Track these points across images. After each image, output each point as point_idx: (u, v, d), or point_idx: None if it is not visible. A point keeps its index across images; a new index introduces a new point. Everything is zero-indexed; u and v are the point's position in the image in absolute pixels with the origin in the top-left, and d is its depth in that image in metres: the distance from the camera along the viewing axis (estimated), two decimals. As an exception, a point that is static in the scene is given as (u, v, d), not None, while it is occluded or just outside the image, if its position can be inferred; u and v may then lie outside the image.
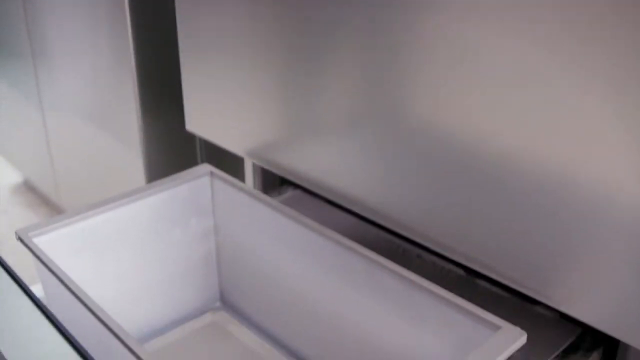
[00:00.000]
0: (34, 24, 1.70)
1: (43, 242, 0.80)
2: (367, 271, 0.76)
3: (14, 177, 2.42)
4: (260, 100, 0.96)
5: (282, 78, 0.91)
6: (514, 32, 0.64)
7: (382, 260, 0.75)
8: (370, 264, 0.76)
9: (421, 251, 0.97)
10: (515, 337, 0.64)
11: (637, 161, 0.59)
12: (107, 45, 1.41)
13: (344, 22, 0.80)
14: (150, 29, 1.35)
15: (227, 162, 1.50)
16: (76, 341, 0.64)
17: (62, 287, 0.71)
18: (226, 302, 1.00)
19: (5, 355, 0.63)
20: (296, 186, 1.15)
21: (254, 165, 1.20)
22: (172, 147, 1.47)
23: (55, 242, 0.81)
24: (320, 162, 0.89)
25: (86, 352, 0.63)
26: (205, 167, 0.94)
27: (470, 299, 0.87)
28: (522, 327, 0.81)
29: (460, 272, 0.92)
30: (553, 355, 0.77)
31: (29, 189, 2.33)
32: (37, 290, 0.86)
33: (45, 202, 2.23)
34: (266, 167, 1.00)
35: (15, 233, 0.79)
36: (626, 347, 0.74)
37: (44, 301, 0.82)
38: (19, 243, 0.79)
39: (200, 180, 0.93)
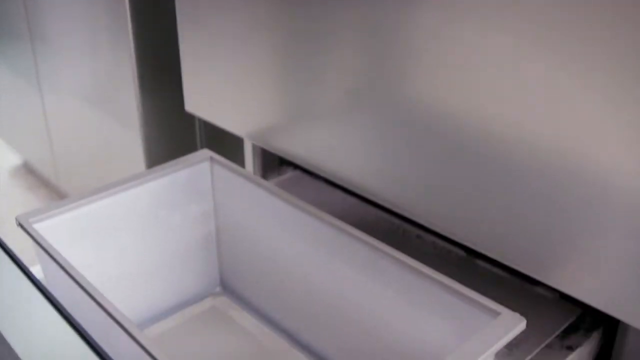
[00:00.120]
0: (32, 7, 1.69)
1: (43, 228, 0.80)
2: (367, 256, 0.76)
3: (13, 159, 2.42)
4: (259, 81, 0.95)
5: (282, 59, 0.91)
6: (515, 12, 0.64)
7: (381, 246, 0.75)
8: (370, 249, 0.76)
9: (421, 232, 0.97)
10: (515, 323, 0.64)
11: (636, 144, 0.59)
12: (105, 27, 1.40)
13: (344, 3, 0.79)
14: (149, 9, 1.35)
15: (226, 142, 1.50)
16: (75, 321, 0.65)
17: (62, 273, 0.71)
18: (226, 287, 1.00)
19: (5, 336, 0.63)
20: (295, 167, 1.15)
21: (253, 146, 1.20)
22: (172, 128, 1.47)
23: (55, 228, 0.81)
24: (320, 142, 0.89)
25: (85, 331, 0.63)
26: (205, 153, 0.94)
27: (470, 279, 0.87)
28: (522, 308, 0.82)
29: (460, 252, 0.93)
30: (553, 336, 0.78)
31: (29, 172, 2.33)
32: (36, 271, 0.86)
33: (44, 184, 2.23)
34: (265, 147, 0.99)
35: (16, 219, 0.79)
36: (626, 327, 0.74)
37: (44, 283, 0.83)
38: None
39: (200, 166, 0.93)
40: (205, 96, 1.08)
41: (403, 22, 0.73)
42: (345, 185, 0.89)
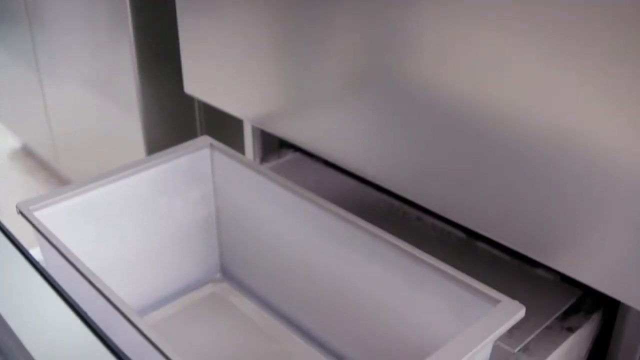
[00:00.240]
0: (27, -11, 1.69)
1: (44, 215, 0.80)
2: (367, 243, 0.77)
3: (12, 142, 2.41)
4: (259, 62, 0.95)
5: (282, 40, 0.90)
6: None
7: (381, 234, 0.75)
8: (369, 235, 0.76)
9: (421, 213, 0.97)
10: (514, 311, 0.65)
11: (636, 122, 0.59)
12: (104, 8, 1.39)
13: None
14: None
15: (226, 125, 1.50)
16: (75, 303, 0.65)
17: (63, 260, 0.71)
18: (227, 273, 1.00)
19: (5, 318, 0.63)
20: (295, 149, 1.15)
21: (253, 129, 1.20)
22: (172, 112, 1.47)
23: (55, 215, 0.81)
24: (320, 124, 0.89)
25: (85, 313, 0.63)
26: (205, 139, 0.94)
27: (470, 261, 0.88)
28: (523, 290, 0.82)
29: (460, 234, 0.93)
30: (553, 317, 0.78)
31: (28, 154, 2.33)
32: (36, 253, 0.86)
33: (44, 167, 2.23)
34: (265, 129, 0.99)
35: (16, 207, 0.79)
36: (626, 308, 0.75)
37: (43, 265, 0.83)
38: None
39: (200, 153, 0.93)
40: (204, 78, 1.07)
41: (402, 5, 0.73)
42: (345, 167, 0.89)
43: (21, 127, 2.14)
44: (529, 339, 0.75)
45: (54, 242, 0.73)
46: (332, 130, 0.88)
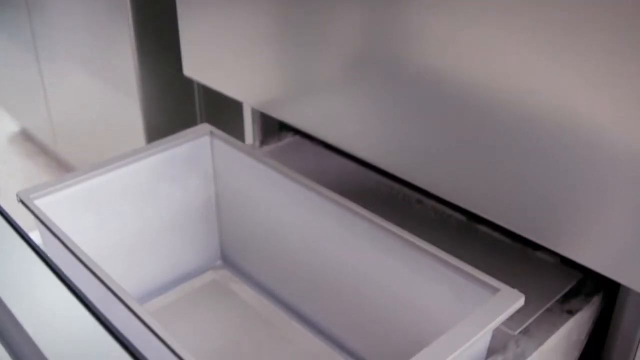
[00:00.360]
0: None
1: (44, 203, 0.81)
2: (367, 230, 0.77)
3: (11, 126, 2.41)
4: (259, 44, 0.95)
5: (282, 22, 0.90)
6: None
7: (381, 222, 0.75)
8: (369, 223, 0.76)
9: (421, 196, 0.97)
10: (514, 300, 0.66)
11: (637, 103, 0.59)
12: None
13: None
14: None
15: (225, 109, 1.49)
16: (74, 285, 0.65)
17: (63, 248, 0.72)
18: (227, 260, 1.00)
19: (6, 302, 0.63)
20: (295, 132, 1.15)
21: (252, 112, 1.19)
22: (171, 95, 1.47)
23: (56, 203, 0.81)
24: (320, 106, 0.89)
25: (84, 295, 0.63)
26: (205, 127, 0.94)
27: (470, 244, 0.88)
28: (523, 272, 0.82)
29: (461, 217, 0.93)
30: (554, 300, 0.78)
31: (27, 138, 2.33)
32: (35, 236, 0.86)
33: (43, 151, 2.23)
34: (265, 111, 0.99)
35: (17, 195, 0.79)
36: (626, 291, 0.75)
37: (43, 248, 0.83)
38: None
39: (200, 140, 0.93)
40: (203, 60, 1.07)
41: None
42: (345, 150, 0.88)
43: (20, 111, 2.14)
44: (529, 321, 0.75)
45: (55, 230, 0.73)
46: (332, 113, 0.87)
